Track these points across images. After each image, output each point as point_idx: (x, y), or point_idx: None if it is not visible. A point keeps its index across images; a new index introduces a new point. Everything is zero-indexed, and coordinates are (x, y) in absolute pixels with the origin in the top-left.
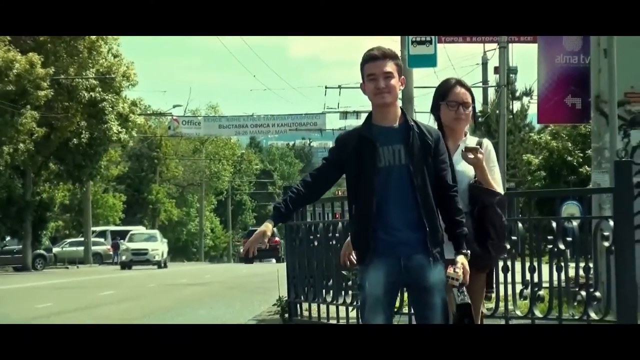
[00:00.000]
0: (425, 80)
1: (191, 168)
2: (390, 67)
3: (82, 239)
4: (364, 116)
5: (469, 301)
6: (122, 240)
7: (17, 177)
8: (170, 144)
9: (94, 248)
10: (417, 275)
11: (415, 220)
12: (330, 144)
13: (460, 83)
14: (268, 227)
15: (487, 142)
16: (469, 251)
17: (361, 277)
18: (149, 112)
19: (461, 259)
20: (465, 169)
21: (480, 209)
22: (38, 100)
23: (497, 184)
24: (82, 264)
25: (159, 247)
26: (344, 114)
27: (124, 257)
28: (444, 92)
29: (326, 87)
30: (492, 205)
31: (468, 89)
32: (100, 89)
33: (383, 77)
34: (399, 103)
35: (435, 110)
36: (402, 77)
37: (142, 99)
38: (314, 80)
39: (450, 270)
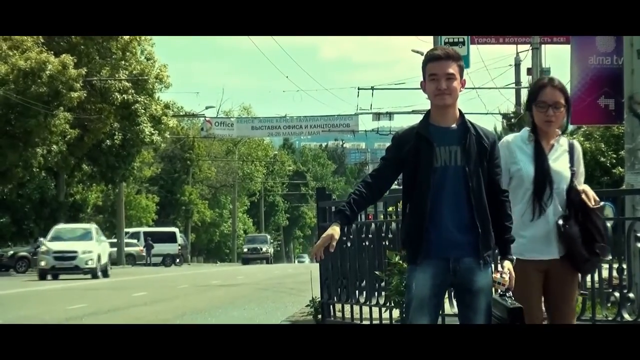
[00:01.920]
0: None
1: (224, 169)
2: (452, 68)
3: (115, 240)
4: (397, 117)
5: (520, 305)
6: (42, 239)
7: (50, 178)
8: (203, 146)
9: (127, 249)
10: (464, 277)
11: (468, 222)
12: (363, 145)
13: (552, 83)
14: (335, 230)
15: (577, 145)
16: (515, 257)
17: (409, 277)
18: (181, 113)
19: (507, 264)
20: (561, 170)
21: (583, 213)
22: (71, 101)
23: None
24: (115, 265)
25: (94, 248)
26: (377, 115)
27: (42, 263)
28: (535, 93)
29: (359, 89)
30: (592, 209)
31: (560, 89)
32: (133, 91)
33: (445, 78)
34: (457, 104)
35: (529, 111)
36: (464, 78)
37: (175, 101)
38: (346, 82)
39: (497, 275)
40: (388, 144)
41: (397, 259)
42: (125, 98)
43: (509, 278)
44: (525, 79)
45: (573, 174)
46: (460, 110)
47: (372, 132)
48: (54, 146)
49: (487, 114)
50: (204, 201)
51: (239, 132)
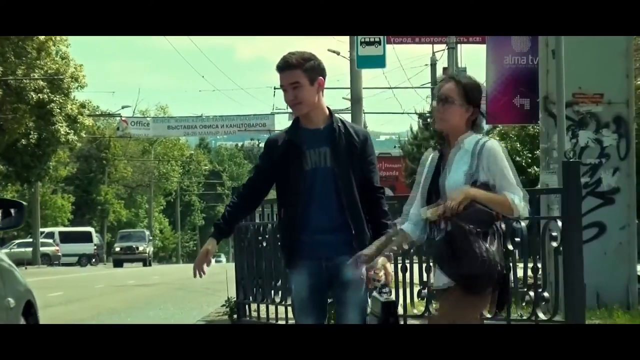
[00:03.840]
0: (375, 81)
1: (140, 169)
2: (296, 76)
3: (31, 240)
4: None
5: (393, 299)
6: None
7: None
8: (119, 145)
9: (43, 249)
10: (336, 273)
11: (341, 223)
12: None
13: (448, 78)
14: (212, 244)
15: (490, 144)
16: (391, 253)
17: (288, 280)
18: (97, 113)
19: (382, 260)
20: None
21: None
22: None
23: (510, 189)
24: (30, 265)
25: None
26: (292, 115)
27: None
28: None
29: (275, 88)
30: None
31: (457, 83)
32: (48, 91)
33: (291, 88)
34: (323, 104)
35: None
36: (320, 78)
37: (91, 101)
38: (262, 81)
39: (371, 272)
40: None
41: None
42: (41, 97)
43: (384, 274)
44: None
45: (474, 182)
46: (329, 110)
47: None
48: None
49: (403, 113)
50: (120, 201)
51: (155, 132)
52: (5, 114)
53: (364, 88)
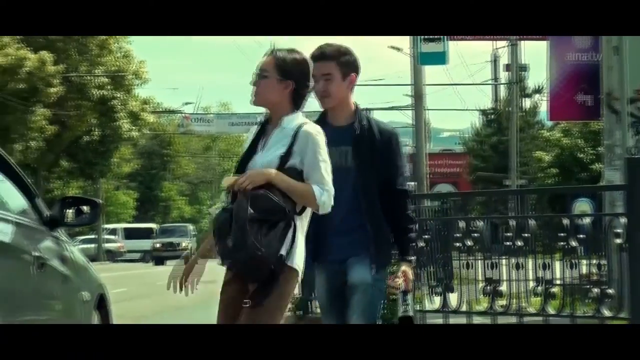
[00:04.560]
0: (436, 78)
1: (203, 165)
2: (329, 68)
3: (94, 236)
4: (375, 113)
5: (412, 314)
6: None
7: (28, 174)
8: (182, 142)
9: (106, 245)
10: (347, 276)
11: (358, 225)
12: None
13: (268, 52)
14: None
15: (308, 128)
16: (413, 258)
17: (316, 283)
18: (160, 109)
19: (403, 267)
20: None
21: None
22: (49, 97)
23: (318, 182)
24: (94, 261)
25: None
26: (367, 111)
27: None
28: None
29: None
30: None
31: (274, 57)
32: (110, 87)
33: (322, 79)
34: (351, 101)
35: None
36: (353, 74)
37: (154, 97)
38: None
39: (390, 280)
40: None
41: None
42: (103, 94)
43: (405, 281)
44: (504, 75)
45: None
46: (356, 107)
47: None
48: (32, 142)
49: (465, 110)
50: (183, 197)
51: (218, 129)
52: (68, 110)
53: (425, 85)
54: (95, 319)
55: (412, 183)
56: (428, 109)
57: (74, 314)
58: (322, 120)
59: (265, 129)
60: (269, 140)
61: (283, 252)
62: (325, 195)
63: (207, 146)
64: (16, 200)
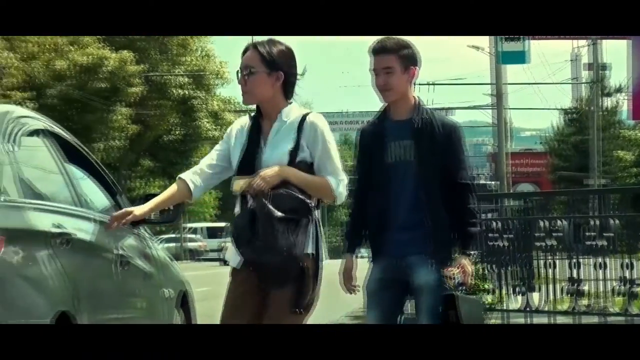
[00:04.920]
0: (517, 77)
1: None
2: (390, 61)
3: (176, 235)
4: (457, 112)
5: (456, 293)
6: None
7: (109, 173)
8: None
9: (188, 244)
10: (409, 275)
11: (419, 220)
12: None
13: (249, 46)
14: (351, 260)
15: (313, 118)
16: (473, 252)
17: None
18: (240, 109)
19: (461, 260)
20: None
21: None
22: (130, 97)
23: (333, 173)
24: (176, 260)
25: None
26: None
27: None
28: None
29: (418, 84)
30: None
31: (255, 50)
32: (191, 87)
33: (383, 73)
34: (412, 95)
35: None
36: (413, 67)
37: (234, 97)
38: None
39: (446, 270)
40: None
41: None
42: (183, 93)
43: (463, 273)
44: (585, 75)
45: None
46: (418, 101)
47: None
48: (114, 141)
49: (546, 109)
50: None
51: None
52: (149, 110)
53: (506, 84)
54: (178, 317)
55: (494, 182)
56: (509, 108)
57: (156, 311)
58: (382, 114)
59: (259, 124)
60: (270, 136)
61: (311, 249)
62: (341, 185)
63: None
64: (99, 198)
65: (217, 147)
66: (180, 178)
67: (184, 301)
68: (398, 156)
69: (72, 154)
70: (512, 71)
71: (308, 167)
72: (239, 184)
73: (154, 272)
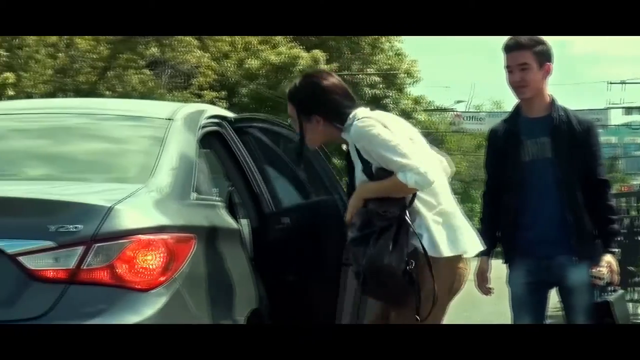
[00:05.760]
0: None
1: (475, 164)
2: (525, 57)
3: None
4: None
5: (610, 299)
6: None
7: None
8: (454, 140)
9: None
10: (559, 275)
11: (560, 218)
12: (614, 140)
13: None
14: (485, 262)
15: (352, 132)
16: (617, 250)
17: (508, 277)
18: (431, 108)
19: (607, 258)
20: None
21: None
22: None
23: (396, 168)
24: None
25: None
26: (629, 110)
27: None
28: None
29: (609, 83)
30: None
31: (291, 102)
32: (382, 86)
33: (518, 69)
34: (546, 92)
35: None
36: (548, 63)
37: (425, 96)
38: (594, 76)
39: (594, 269)
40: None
41: None
42: (375, 93)
43: (610, 272)
44: None
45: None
46: (552, 98)
47: (624, 127)
48: None
49: None
50: (456, 196)
51: (490, 127)
52: None
53: None
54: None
55: None
56: None
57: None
58: (516, 112)
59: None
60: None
61: (404, 256)
62: (409, 175)
63: (479, 144)
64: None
65: None
66: None
67: None
68: (535, 154)
69: (267, 153)
70: None
71: (385, 172)
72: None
73: None
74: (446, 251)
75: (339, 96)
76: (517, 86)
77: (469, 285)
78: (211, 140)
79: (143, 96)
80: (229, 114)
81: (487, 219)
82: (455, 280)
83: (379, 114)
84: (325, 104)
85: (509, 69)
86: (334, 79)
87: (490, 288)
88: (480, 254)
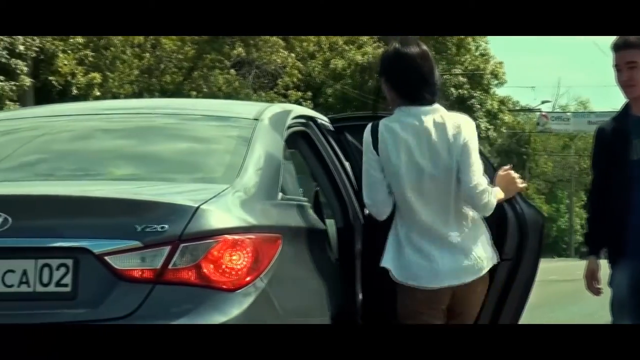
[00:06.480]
0: None
1: (560, 164)
2: (634, 55)
3: None
4: None
5: None
6: None
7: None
8: (540, 140)
9: None
10: None
11: None
12: None
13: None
14: (594, 263)
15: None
16: None
17: (611, 277)
18: (517, 108)
19: None
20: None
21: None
22: None
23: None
24: None
25: None
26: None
27: None
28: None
29: None
30: None
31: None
32: (468, 86)
33: (626, 68)
34: None
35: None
36: None
37: (511, 96)
38: None
39: None
40: None
41: None
42: (461, 93)
43: None
44: None
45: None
46: None
47: None
48: None
49: None
50: (541, 196)
51: (576, 127)
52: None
53: None
54: None
55: None
56: None
57: None
58: (625, 110)
59: None
60: None
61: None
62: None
63: (565, 144)
64: None
65: None
66: None
67: None
68: None
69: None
70: None
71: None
72: None
73: None
74: None
75: None
76: (625, 85)
77: (553, 285)
78: (298, 141)
79: (229, 96)
80: (316, 114)
81: (595, 219)
82: None
83: None
84: None
85: (618, 67)
86: None
87: (599, 288)
88: (589, 254)
